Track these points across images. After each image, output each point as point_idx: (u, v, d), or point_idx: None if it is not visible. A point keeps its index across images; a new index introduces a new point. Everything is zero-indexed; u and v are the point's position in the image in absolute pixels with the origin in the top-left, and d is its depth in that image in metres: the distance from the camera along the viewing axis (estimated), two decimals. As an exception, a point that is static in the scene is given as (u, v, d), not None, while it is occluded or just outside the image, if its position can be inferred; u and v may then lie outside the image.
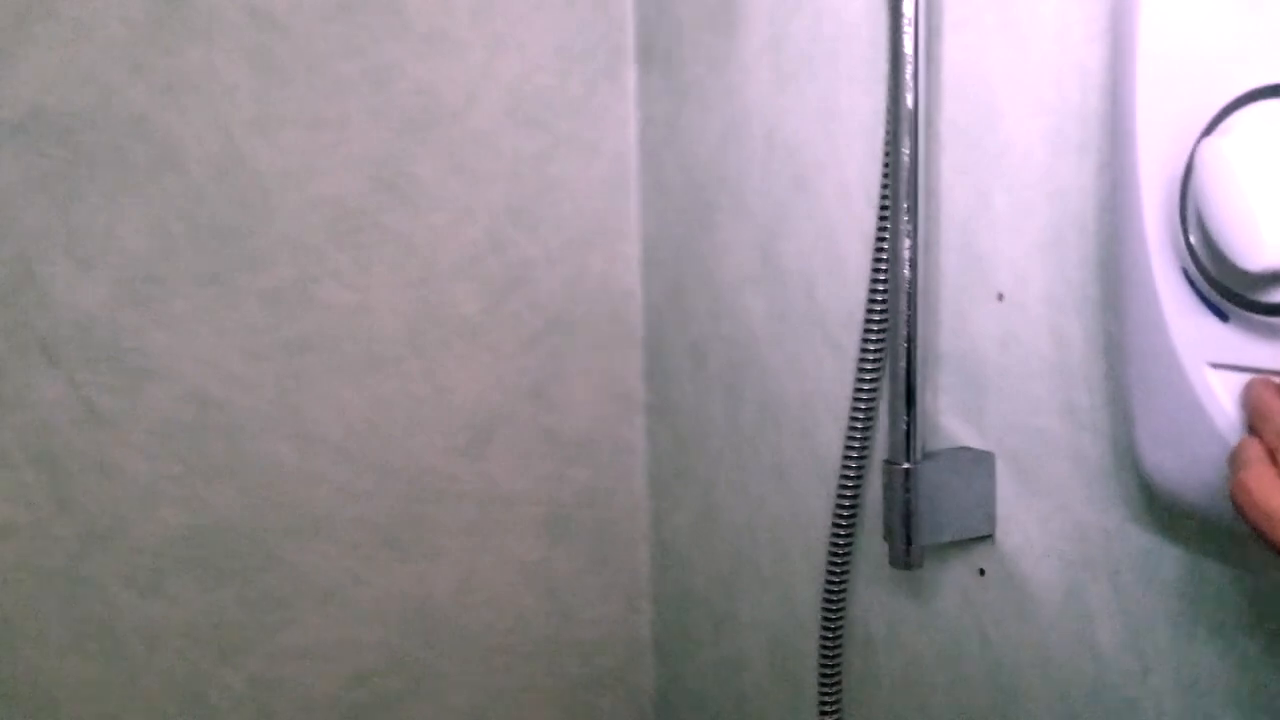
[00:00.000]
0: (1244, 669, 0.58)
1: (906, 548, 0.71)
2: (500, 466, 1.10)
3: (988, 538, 0.73)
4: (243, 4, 0.96)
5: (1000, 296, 0.70)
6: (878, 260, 0.77)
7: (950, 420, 0.75)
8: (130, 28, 0.92)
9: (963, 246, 0.73)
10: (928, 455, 0.72)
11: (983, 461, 0.72)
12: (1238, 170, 0.43)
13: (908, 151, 0.68)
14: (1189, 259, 0.48)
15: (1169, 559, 0.62)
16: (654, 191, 1.10)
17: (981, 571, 0.74)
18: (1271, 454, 0.42)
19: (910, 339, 0.70)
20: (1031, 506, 0.70)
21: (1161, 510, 0.62)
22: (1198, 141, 0.46)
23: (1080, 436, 0.66)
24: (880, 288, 0.77)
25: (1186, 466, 0.52)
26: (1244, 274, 0.44)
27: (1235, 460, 0.43)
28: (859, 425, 0.80)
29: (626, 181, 1.13)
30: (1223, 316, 0.47)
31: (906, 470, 0.70)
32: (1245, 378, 0.47)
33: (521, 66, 1.07)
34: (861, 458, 0.81)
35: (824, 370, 0.88)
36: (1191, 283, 0.48)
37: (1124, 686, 0.65)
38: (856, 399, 0.80)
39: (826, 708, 0.85)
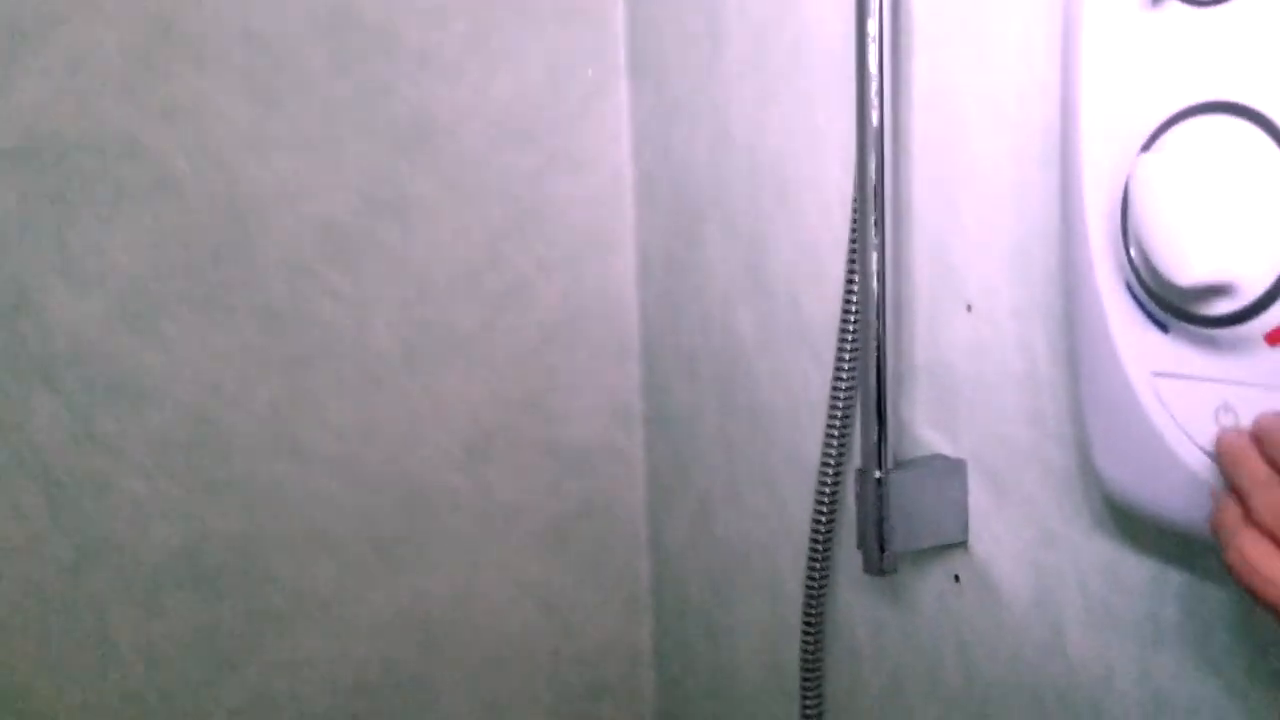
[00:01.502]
0: (1206, 674, 0.59)
1: (880, 554, 0.71)
2: (498, 479, 1.12)
3: (961, 544, 0.74)
4: (235, 28, 0.98)
5: (969, 307, 0.71)
6: (850, 274, 0.78)
7: (924, 429, 0.76)
8: (123, 54, 0.94)
9: (935, 259, 0.74)
10: (901, 464, 0.73)
11: (955, 470, 0.73)
12: (1169, 187, 0.44)
13: (874, 166, 0.69)
14: (1130, 272, 0.48)
15: (1133, 566, 0.62)
16: (648, 205, 1.11)
17: (956, 578, 0.75)
18: (1246, 508, 0.41)
19: (880, 350, 0.71)
20: (1002, 514, 0.71)
21: (1124, 518, 0.62)
22: (1136, 158, 0.47)
23: (1046, 445, 0.67)
24: (854, 301, 0.78)
25: (1138, 474, 0.52)
26: (1177, 288, 0.45)
27: (1220, 528, 0.42)
28: (835, 434, 0.81)
29: (621, 195, 1.14)
30: (1164, 328, 0.48)
31: (878, 479, 0.71)
32: (1188, 386, 0.48)
33: (515, 85, 1.08)
34: (839, 467, 0.82)
35: (809, 381, 0.89)
36: (1134, 295, 0.49)
37: (1091, 692, 0.65)
38: (833, 409, 0.81)
39: (810, 715, 0.86)
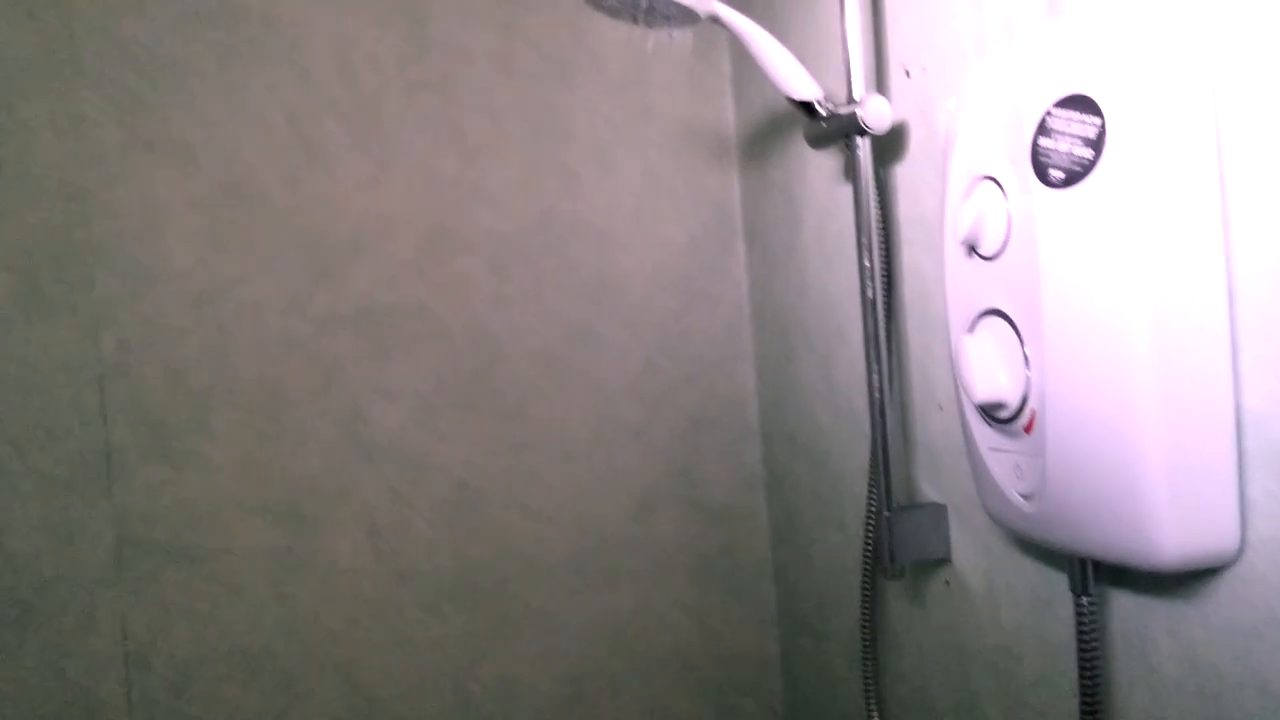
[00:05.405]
0: (1051, 626, 0.99)
1: (890, 564, 1.14)
2: (661, 528, 1.58)
3: (948, 561, 1.16)
4: (482, 228, 1.49)
5: (940, 407, 1.14)
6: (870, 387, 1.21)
7: (923, 485, 1.18)
8: (417, 250, 1.47)
9: (920, 374, 1.17)
10: (905, 507, 1.16)
11: (939, 511, 1.15)
12: (973, 354, 0.87)
13: (872, 324, 1.13)
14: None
15: (1020, 562, 1.03)
16: (759, 331, 1.57)
17: (947, 583, 1.16)
18: None
19: (883, 437, 1.14)
20: (966, 539, 1.12)
21: (1011, 535, 1.03)
22: (963, 336, 0.91)
23: (983, 492, 1.09)
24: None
25: (992, 504, 0.94)
26: (977, 405, 0.88)
27: None
28: (873, 488, 1.24)
29: (742, 324, 1.60)
30: (991, 424, 0.91)
31: (887, 517, 1.14)
32: (1002, 455, 0.90)
33: (665, 252, 1.57)
34: (876, 510, 1.25)
35: (860, 453, 1.32)
36: (977, 410, 0.92)
37: (1017, 644, 1.06)
38: (872, 471, 1.24)
39: (869, 683, 1.28)
